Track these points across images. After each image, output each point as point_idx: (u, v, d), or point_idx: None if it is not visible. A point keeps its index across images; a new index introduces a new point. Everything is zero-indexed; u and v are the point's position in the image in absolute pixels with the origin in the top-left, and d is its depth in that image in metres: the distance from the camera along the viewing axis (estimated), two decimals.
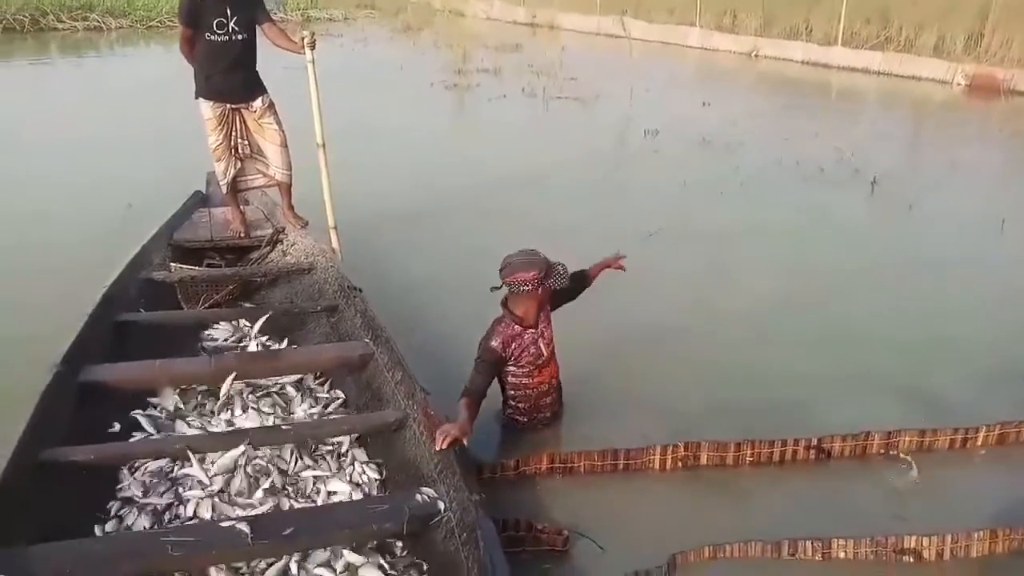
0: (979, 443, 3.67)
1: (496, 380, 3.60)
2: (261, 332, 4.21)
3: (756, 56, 17.13)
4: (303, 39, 4.73)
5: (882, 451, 3.59)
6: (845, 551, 2.96)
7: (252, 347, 4.08)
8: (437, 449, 3.02)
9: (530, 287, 3.39)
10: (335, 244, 4.96)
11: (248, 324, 4.27)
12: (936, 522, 3.08)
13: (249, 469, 3.16)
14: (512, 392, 3.66)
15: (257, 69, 4.96)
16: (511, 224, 6.31)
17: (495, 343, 3.47)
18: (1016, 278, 5.62)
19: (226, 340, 4.20)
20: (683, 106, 11.82)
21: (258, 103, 4.90)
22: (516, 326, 3.51)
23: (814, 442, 3.56)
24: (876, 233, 6.67)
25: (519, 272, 3.39)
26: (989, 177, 8.37)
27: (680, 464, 3.48)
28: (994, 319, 4.99)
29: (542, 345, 3.58)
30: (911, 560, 2.96)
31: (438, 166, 8.39)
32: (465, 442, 3.13)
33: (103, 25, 20.64)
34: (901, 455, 3.54)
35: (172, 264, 4.71)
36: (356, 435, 3.43)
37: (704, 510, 3.29)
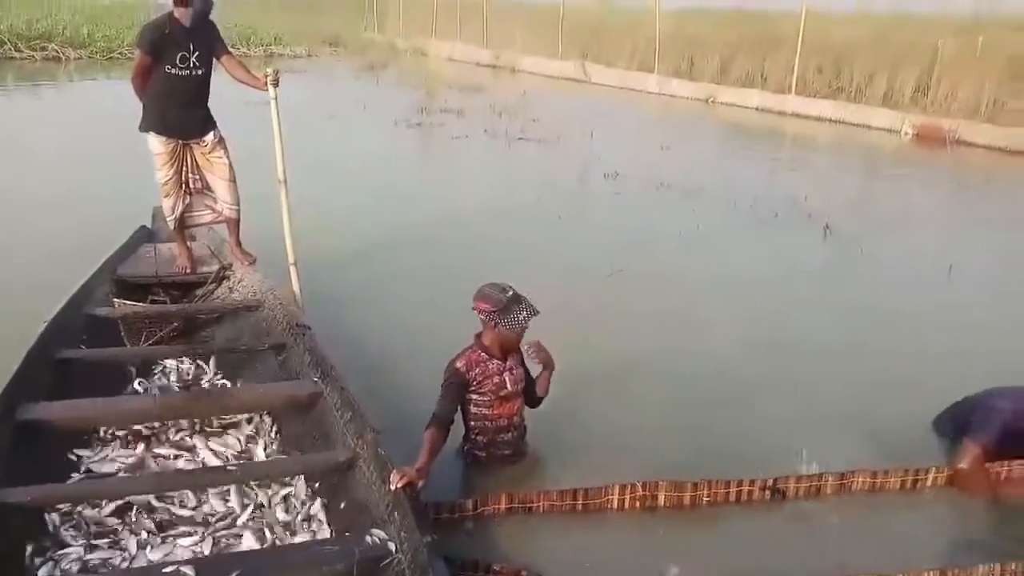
0: (928, 484, 3.70)
1: (460, 412, 3.60)
2: (207, 370, 4.11)
3: (713, 102, 17.50)
4: (267, 76, 4.68)
5: (836, 491, 3.60)
6: None
7: (197, 385, 3.97)
8: (392, 489, 2.95)
9: (483, 317, 3.50)
10: (294, 281, 4.88)
11: (193, 362, 4.17)
12: (887, 562, 3.09)
13: (193, 511, 3.06)
14: (472, 423, 3.65)
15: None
16: (471, 263, 6.29)
17: (460, 364, 3.53)
18: (963, 323, 5.72)
19: (171, 378, 4.10)
20: (642, 150, 11.99)
21: (209, 138, 4.85)
22: (483, 353, 3.56)
23: (769, 483, 3.57)
24: (830, 276, 6.77)
25: (478, 300, 3.52)
26: (936, 224, 8.57)
27: (638, 504, 3.47)
28: (943, 363, 5.05)
29: (508, 379, 3.58)
30: None
31: (400, 204, 8.37)
32: (420, 485, 3.08)
33: (61, 55, 20.44)
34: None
35: (115, 300, 4.61)
36: (304, 476, 3.34)
37: (661, 550, 3.26)
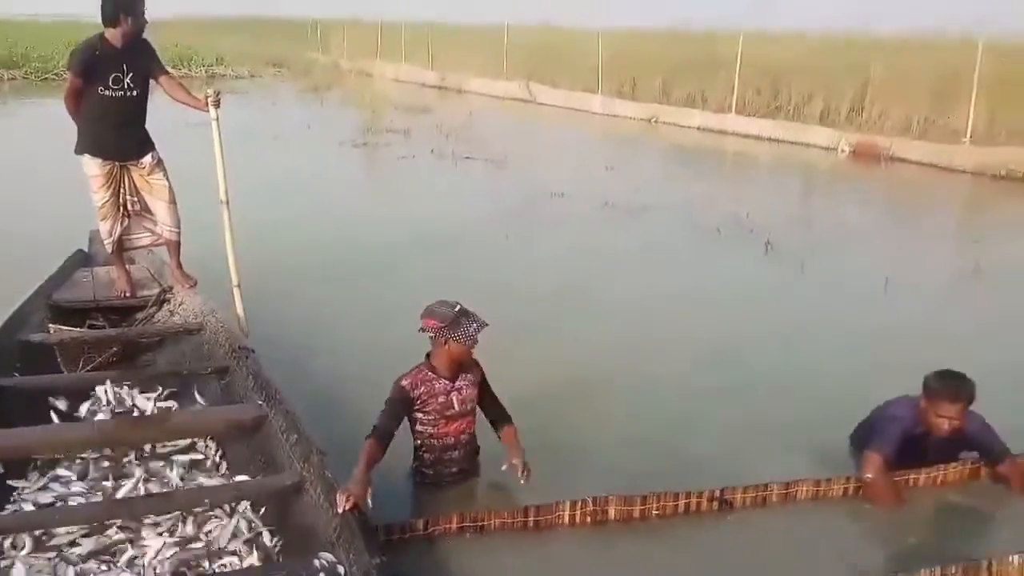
0: (909, 487, 3.77)
1: (409, 428, 3.60)
2: (147, 395, 4.01)
3: (655, 122, 17.81)
4: (207, 97, 4.62)
5: (781, 500, 3.66)
6: None
7: (138, 412, 3.87)
8: (339, 511, 2.92)
9: (432, 334, 3.49)
10: (238, 303, 4.81)
11: (134, 388, 4.06)
12: (833, 570, 3.15)
13: (136, 540, 2.97)
14: (419, 441, 3.64)
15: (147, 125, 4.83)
16: (417, 283, 6.26)
17: (405, 382, 3.52)
18: (901, 335, 5.88)
19: (110, 404, 3.97)
20: (588, 170, 12.12)
21: (147, 159, 4.76)
22: (429, 372, 3.55)
23: (717, 493, 3.61)
24: (772, 292, 6.89)
25: (426, 318, 3.50)
26: (873, 239, 8.82)
27: (589, 519, 3.47)
28: (881, 374, 5.18)
29: (455, 399, 3.57)
30: None
31: (345, 225, 8.31)
32: (369, 501, 3.06)
33: None
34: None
35: (51, 325, 4.47)
36: (250, 501, 3.27)
37: (612, 565, 3.28)
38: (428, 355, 3.60)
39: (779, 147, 15.29)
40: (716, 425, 4.42)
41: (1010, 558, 3.02)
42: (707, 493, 3.59)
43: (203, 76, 23.38)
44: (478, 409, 3.71)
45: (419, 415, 3.57)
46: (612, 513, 3.50)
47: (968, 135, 13.79)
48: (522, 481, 3.48)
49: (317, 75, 24.82)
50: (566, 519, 3.45)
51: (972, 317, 6.36)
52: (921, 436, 3.75)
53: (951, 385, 3.64)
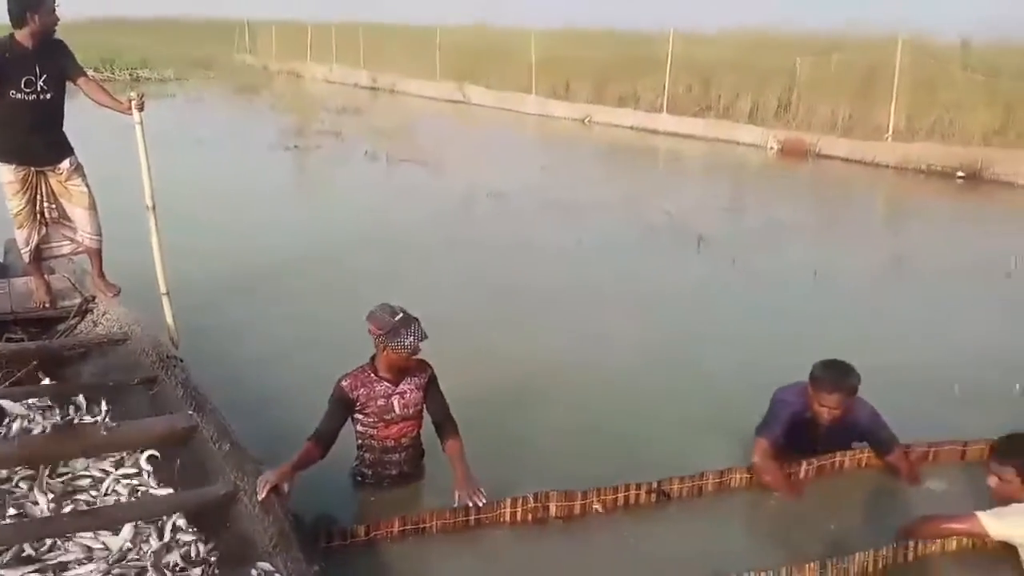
0: (801, 475, 3.84)
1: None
2: (71, 409, 3.86)
3: (589, 122, 17.99)
4: (131, 100, 4.46)
5: (716, 489, 3.73)
6: None
7: (62, 426, 3.72)
8: (259, 499, 2.93)
9: (373, 338, 3.47)
10: (167, 311, 4.66)
11: (57, 402, 3.91)
12: (769, 556, 3.20)
13: (63, 559, 2.86)
14: (360, 442, 3.62)
15: (64, 129, 4.64)
16: (353, 288, 6.21)
17: (345, 383, 3.50)
18: (830, 325, 6.05)
19: (30, 420, 3.81)
20: (523, 170, 12.17)
21: (65, 165, 4.57)
22: (372, 374, 3.52)
23: (654, 485, 3.65)
24: (704, 287, 7.01)
25: (369, 322, 3.47)
26: (801, 233, 9.05)
27: (530, 516, 3.48)
28: (809, 364, 5.32)
29: (396, 403, 3.53)
30: None
31: (277, 230, 8.19)
32: (286, 487, 3.09)
33: None
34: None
35: None
36: (183, 513, 3.18)
37: (554, 560, 3.30)
38: (373, 355, 3.56)
39: (710, 145, 15.60)
40: (653, 418, 4.48)
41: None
42: (645, 486, 3.63)
43: (126, 79, 22.71)
44: (426, 412, 3.67)
45: (360, 416, 3.54)
46: (553, 509, 3.51)
47: (890, 131, 14.29)
48: (481, 503, 3.37)
49: (245, 77, 24.37)
50: (508, 517, 3.46)
51: (895, 305, 6.59)
52: (811, 423, 3.77)
53: (832, 375, 3.68)
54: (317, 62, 27.59)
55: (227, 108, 18.39)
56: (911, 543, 3.15)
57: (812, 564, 3.10)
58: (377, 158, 12.62)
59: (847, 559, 3.11)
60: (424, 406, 3.62)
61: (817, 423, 3.76)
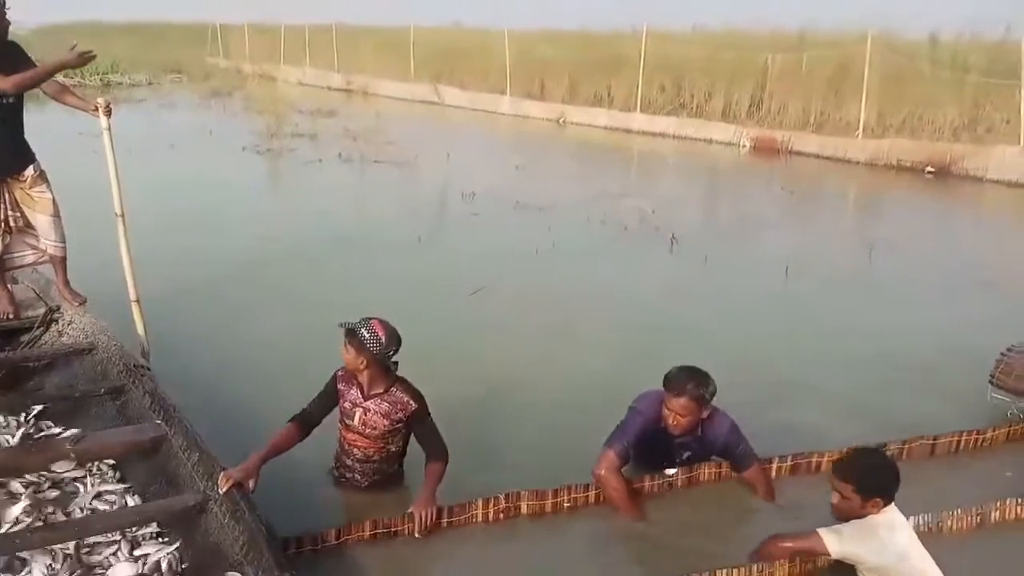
0: (774, 473, 3.85)
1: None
2: (37, 421, 3.81)
3: (563, 122, 18.03)
4: (98, 106, 4.40)
5: (686, 486, 3.75)
6: None
7: (28, 439, 3.67)
8: (222, 492, 2.97)
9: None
10: (138, 319, 4.61)
11: (22, 414, 3.85)
12: (734, 551, 3.21)
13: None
14: (338, 439, 3.65)
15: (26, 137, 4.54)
16: (327, 292, 6.19)
17: (340, 373, 3.53)
18: (804, 319, 6.12)
19: None
20: (497, 170, 12.17)
21: (28, 172, 4.48)
22: (355, 376, 3.52)
23: (716, 467, 3.72)
24: (677, 285, 7.04)
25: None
26: (773, 229, 9.13)
27: (502, 515, 3.49)
28: (785, 358, 5.38)
29: (357, 414, 3.50)
30: None
31: (250, 235, 8.12)
32: (251, 484, 3.12)
33: None
34: None
35: None
36: (153, 523, 3.16)
37: (525, 559, 3.32)
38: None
39: (683, 143, 15.69)
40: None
41: None
42: (707, 466, 3.71)
43: (98, 84, 22.42)
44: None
45: (338, 411, 3.58)
46: (524, 508, 3.52)
47: (860, 128, 14.44)
48: (416, 535, 3.30)
49: (218, 80, 24.17)
50: (479, 517, 3.46)
51: (865, 298, 6.69)
52: (665, 434, 3.59)
53: (680, 379, 3.49)
54: (290, 64, 27.42)
55: (200, 112, 18.21)
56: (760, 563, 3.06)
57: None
58: (351, 160, 12.57)
59: None
60: (390, 436, 3.54)
61: (672, 435, 3.58)
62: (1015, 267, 7.79)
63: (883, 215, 10.83)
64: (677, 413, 3.49)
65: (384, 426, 3.49)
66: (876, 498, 2.91)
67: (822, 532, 2.95)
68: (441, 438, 3.55)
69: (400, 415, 3.49)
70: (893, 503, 2.95)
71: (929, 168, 12.71)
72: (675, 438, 3.61)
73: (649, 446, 3.64)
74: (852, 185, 12.77)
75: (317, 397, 3.54)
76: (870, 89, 14.50)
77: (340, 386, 3.53)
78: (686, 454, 3.70)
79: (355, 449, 3.59)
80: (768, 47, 17.21)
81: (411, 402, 3.49)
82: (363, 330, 3.38)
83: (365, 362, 3.40)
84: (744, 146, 14.94)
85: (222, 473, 3.06)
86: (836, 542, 2.92)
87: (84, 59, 4.27)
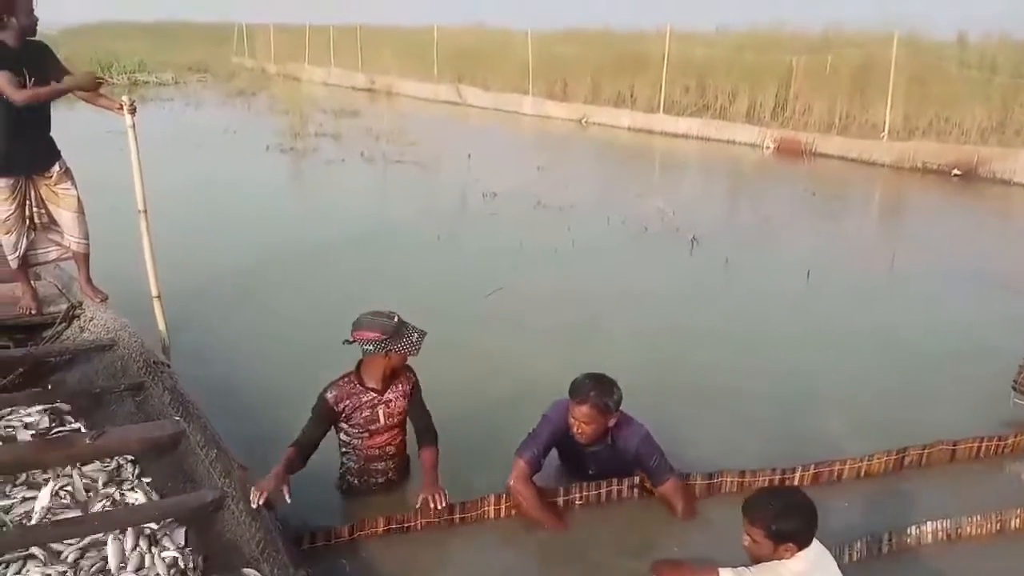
0: (796, 482, 3.83)
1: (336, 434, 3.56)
2: (57, 416, 3.86)
3: (586, 123, 17.98)
4: (123, 104, 4.46)
5: (704, 492, 3.72)
6: None
7: (48, 433, 3.72)
8: (254, 507, 2.93)
9: (372, 348, 3.39)
10: (159, 315, 4.67)
11: (43, 409, 3.90)
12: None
13: (52, 568, 2.86)
14: (344, 450, 3.61)
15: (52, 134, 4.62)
16: (350, 290, 6.22)
17: (330, 395, 3.45)
18: (824, 324, 6.05)
19: (18, 428, 3.81)
20: (519, 170, 12.15)
21: (55, 169, 4.56)
22: (358, 384, 3.48)
23: (636, 481, 3.66)
24: (697, 287, 7.00)
25: (364, 330, 3.39)
26: (795, 232, 9.04)
27: (514, 511, 3.49)
28: (805, 363, 5.33)
29: (381, 412, 3.51)
30: None
31: (273, 233, 8.18)
32: (287, 497, 3.08)
33: None
34: None
35: None
36: (170, 520, 3.19)
37: (537, 553, 3.34)
38: (359, 364, 3.52)
39: (706, 145, 15.59)
40: (639, 416, 4.48)
41: None
42: (627, 481, 3.65)
43: (125, 83, 22.67)
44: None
45: (344, 426, 3.53)
46: None
47: (886, 130, 14.28)
48: (441, 504, 3.30)
49: (243, 80, 24.36)
50: (491, 513, 3.48)
51: (887, 301, 6.62)
52: (577, 443, 3.51)
53: (583, 387, 3.38)
54: (315, 64, 27.59)
55: (225, 111, 18.37)
56: None
57: None
58: (373, 160, 12.63)
59: None
60: (405, 416, 3.60)
61: (584, 446, 3.50)
62: None
63: (907, 218, 10.71)
64: (581, 421, 3.39)
65: (403, 405, 3.56)
66: (788, 543, 2.68)
67: (723, 572, 2.74)
68: (429, 414, 3.60)
69: (408, 388, 3.56)
70: (812, 546, 2.71)
71: (956, 171, 12.54)
72: (586, 447, 3.51)
73: (564, 456, 3.63)
74: (876, 187, 12.62)
75: (311, 426, 3.44)
76: (896, 90, 14.32)
77: (342, 405, 3.46)
78: (595, 465, 3.60)
79: (389, 447, 3.60)
80: (792, 48, 17.06)
81: (411, 374, 3.59)
82: (364, 345, 3.40)
83: (393, 361, 3.44)
84: (768, 148, 14.83)
85: (254, 487, 3.01)
86: None
87: (97, 84, 4.45)
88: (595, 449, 3.53)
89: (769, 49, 17.46)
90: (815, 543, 2.71)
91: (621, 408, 3.47)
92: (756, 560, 2.75)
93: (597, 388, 3.38)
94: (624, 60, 18.94)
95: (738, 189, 12.26)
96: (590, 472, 3.62)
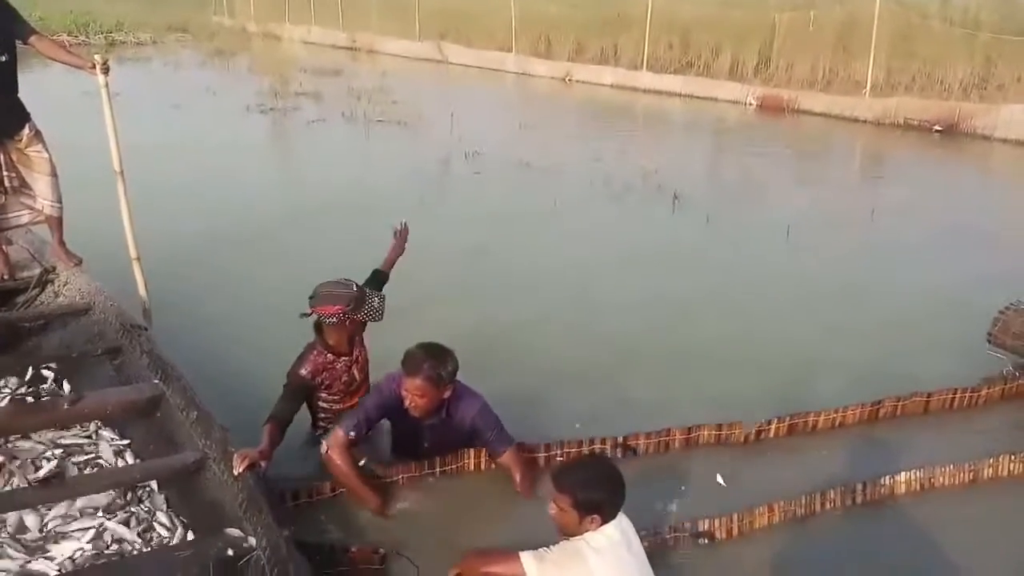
0: (772, 434, 3.89)
1: (307, 405, 3.57)
2: (33, 382, 3.84)
3: (569, 80, 17.80)
4: (95, 63, 4.34)
5: (683, 446, 3.77)
6: (648, 540, 3.01)
7: (25, 399, 3.70)
8: (235, 474, 2.92)
9: (335, 320, 3.39)
10: (139, 277, 4.59)
11: (19, 375, 3.88)
12: (729, 507, 3.26)
13: (32, 531, 2.89)
14: (322, 415, 3.63)
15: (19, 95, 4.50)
16: (326, 251, 6.19)
17: (304, 371, 3.45)
18: (803, 280, 6.09)
19: None
20: (502, 129, 12.07)
21: (24, 131, 4.45)
22: (328, 354, 3.49)
23: (620, 440, 3.70)
24: (678, 245, 7.01)
25: (325, 305, 3.39)
26: (776, 189, 9.04)
27: (493, 465, 3.51)
28: (784, 318, 5.38)
29: (355, 371, 3.56)
30: (706, 541, 3.15)
31: (252, 194, 8.12)
32: (263, 466, 3.08)
33: None
34: None
35: None
36: (152, 482, 3.20)
37: (512, 508, 3.35)
38: (320, 332, 3.50)
39: (689, 102, 15.50)
40: (622, 376, 4.54)
41: None
42: (611, 440, 3.69)
43: (102, 43, 22.20)
44: None
45: (323, 395, 3.55)
46: None
47: (868, 86, 14.23)
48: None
49: (222, 39, 23.87)
50: (471, 466, 3.52)
51: (866, 257, 6.68)
52: (410, 417, 3.34)
53: (416, 359, 3.22)
54: (295, 23, 27.08)
55: (204, 71, 18.04)
56: None
57: (760, 508, 3.18)
58: (355, 119, 12.49)
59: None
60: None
61: (418, 418, 3.34)
62: (1018, 225, 7.73)
63: (888, 174, 10.72)
64: (414, 394, 3.22)
65: (367, 354, 3.65)
66: (594, 515, 2.52)
67: (523, 556, 2.54)
68: None
69: (362, 332, 3.64)
70: (617, 520, 2.56)
71: (937, 127, 12.54)
72: (421, 420, 3.36)
73: (397, 429, 3.50)
74: (858, 144, 12.61)
75: (288, 398, 3.40)
76: (878, 47, 14.24)
77: (319, 378, 3.47)
78: (431, 438, 3.45)
79: (358, 397, 3.63)
80: (776, 5, 16.90)
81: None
82: (327, 319, 3.40)
83: (354, 326, 3.48)
84: (751, 104, 14.75)
85: (236, 454, 2.98)
86: (535, 569, 2.51)
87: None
88: (431, 422, 3.38)
89: (753, 6, 17.29)
90: (621, 517, 2.58)
91: (458, 378, 3.33)
92: (562, 531, 2.62)
93: (431, 360, 3.21)
94: (608, 17, 18.71)
95: (721, 146, 12.23)
96: (425, 446, 3.46)
